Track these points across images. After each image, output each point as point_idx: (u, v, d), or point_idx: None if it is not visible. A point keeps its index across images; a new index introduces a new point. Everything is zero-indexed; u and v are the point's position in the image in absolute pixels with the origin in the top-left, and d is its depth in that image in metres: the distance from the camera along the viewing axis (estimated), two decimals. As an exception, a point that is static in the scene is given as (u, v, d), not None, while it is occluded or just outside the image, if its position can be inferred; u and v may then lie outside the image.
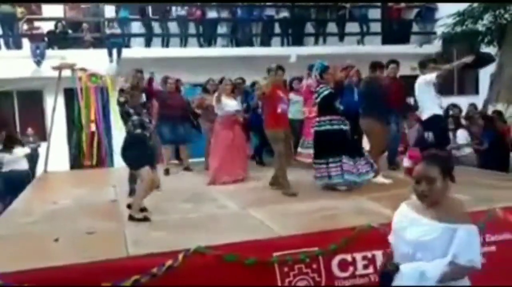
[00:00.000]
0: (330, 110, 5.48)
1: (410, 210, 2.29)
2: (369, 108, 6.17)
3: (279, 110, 5.72)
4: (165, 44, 12.26)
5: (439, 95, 5.99)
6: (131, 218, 4.40)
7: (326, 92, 5.49)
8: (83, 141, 8.40)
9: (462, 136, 7.74)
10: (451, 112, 8.78)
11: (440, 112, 6.03)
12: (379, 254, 3.73)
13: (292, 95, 7.14)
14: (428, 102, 5.92)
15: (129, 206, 4.64)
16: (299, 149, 7.39)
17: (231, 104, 6.49)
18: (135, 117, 4.61)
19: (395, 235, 2.32)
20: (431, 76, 5.80)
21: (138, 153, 4.56)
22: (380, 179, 5.87)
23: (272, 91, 5.74)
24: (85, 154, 8.45)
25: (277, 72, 5.81)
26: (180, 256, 3.27)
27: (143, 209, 4.61)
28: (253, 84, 7.71)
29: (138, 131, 4.60)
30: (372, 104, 6.13)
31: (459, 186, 5.12)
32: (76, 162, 9.09)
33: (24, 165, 8.24)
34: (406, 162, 2.40)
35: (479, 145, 7.46)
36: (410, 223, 2.24)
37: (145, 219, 4.41)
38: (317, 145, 5.62)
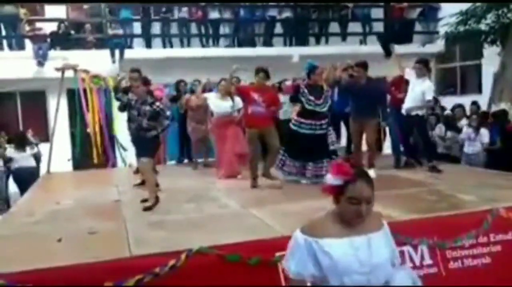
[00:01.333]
0: (304, 114, 5.87)
1: (329, 236, 1.95)
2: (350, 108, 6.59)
3: (249, 111, 5.95)
4: (167, 44, 12.27)
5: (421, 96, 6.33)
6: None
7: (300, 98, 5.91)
8: (90, 142, 8.47)
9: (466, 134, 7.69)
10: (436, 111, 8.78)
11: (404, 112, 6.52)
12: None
13: (280, 96, 7.23)
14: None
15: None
16: None
17: (222, 105, 6.65)
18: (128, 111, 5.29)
19: (336, 273, 1.93)
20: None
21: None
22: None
23: (244, 92, 6.07)
24: (90, 154, 8.50)
25: (258, 75, 5.93)
26: (183, 256, 3.27)
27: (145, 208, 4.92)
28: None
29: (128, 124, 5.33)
30: (351, 105, 6.55)
31: (464, 186, 5.20)
32: (80, 162, 9.10)
33: (32, 162, 8.90)
34: (335, 180, 1.96)
35: (491, 145, 7.41)
36: (355, 250, 1.94)
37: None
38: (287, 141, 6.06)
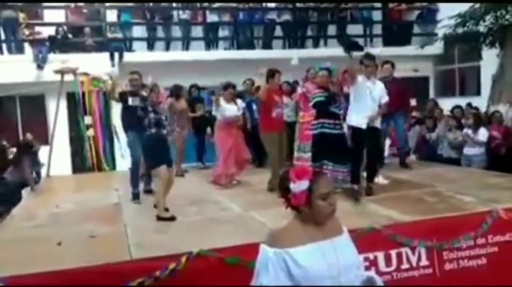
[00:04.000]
0: (323, 114, 5.50)
1: (296, 244, 1.93)
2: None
3: (274, 114, 5.87)
4: (168, 47, 12.32)
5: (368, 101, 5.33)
6: (159, 218, 4.54)
7: (318, 99, 5.56)
8: (89, 145, 8.48)
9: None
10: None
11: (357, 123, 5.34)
12: (380, 256, 3.74)
13: (284, 98, 7.22)
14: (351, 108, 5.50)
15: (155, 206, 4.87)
16: (296, 154, 7.26)
17: (230, 109, 6.59)
18: (151, 116, 4.88)
19: (308, 280, 1.90)
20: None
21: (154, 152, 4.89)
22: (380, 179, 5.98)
23: (268, 95, 5.86)
24: (89, 158, 8.51)
25: (274, 77, 5.92)
26: (183, 259, 3.28)
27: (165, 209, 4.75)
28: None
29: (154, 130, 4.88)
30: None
31: (464, 188, 5.21)
32: (82, 166, 9.10)
33: None
34: (301, 185, 1.94)
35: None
36: (323, 254, 1.94)
37: (172, 218, 4.55)
38: (313, 147, 5.65)
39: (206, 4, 12.55)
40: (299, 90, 6.97)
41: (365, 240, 3.63)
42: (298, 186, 1.95)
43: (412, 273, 3.87)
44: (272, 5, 13.05)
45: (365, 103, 5.25)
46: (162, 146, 4.89)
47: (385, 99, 5.41)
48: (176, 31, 12.52)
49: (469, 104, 9.59)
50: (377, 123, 5.38)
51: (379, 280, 2.07)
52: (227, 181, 6.36)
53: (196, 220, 4.59)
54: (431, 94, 13.05)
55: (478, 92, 11.92)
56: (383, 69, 6.64)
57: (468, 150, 7.38)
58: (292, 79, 8.35)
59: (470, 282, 3.94)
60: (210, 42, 12.53)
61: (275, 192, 5.48)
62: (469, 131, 7.37)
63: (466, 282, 3.93)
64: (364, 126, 5.23)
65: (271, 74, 5.89)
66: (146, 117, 4.91)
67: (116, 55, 11.05)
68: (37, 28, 11.22)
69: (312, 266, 1.91)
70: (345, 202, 4.86)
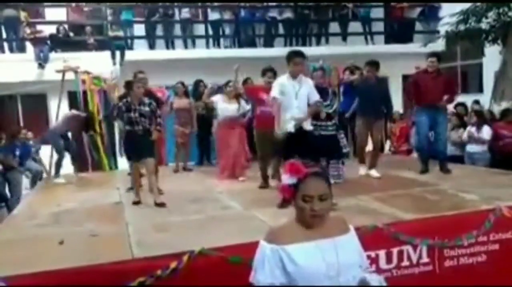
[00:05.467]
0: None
1: (295, 241, 1.92)
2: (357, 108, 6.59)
3: (258, 112, 5.99)
4: (170, 46, 12.31)
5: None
6: (156, 204, 5.11)
7: None
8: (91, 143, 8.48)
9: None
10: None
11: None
12: (382, 254, 3.74)
13: None
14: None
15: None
16: None
17: (229, 108, 6.61)
18: (125, 114, 5.23)
19: (304, 278, 1.90)
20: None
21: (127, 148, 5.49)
22: (362, 171, 6.37)
23: (252, 93, 6.10)
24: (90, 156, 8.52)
25: (267, 74, 5.91)
26: (185, 258, 3.27)
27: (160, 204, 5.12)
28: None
29: (128, 127, 5.28)
30: (359, 105, 6.56)
31: (468, 186, 5.19)
32: (83, 165, 9.11)
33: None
34: (289, 179, 1.96)
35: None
36: (322, 253, 1.92)
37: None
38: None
39: (208, 3, 12.57)
40: None
41: (368, 238, 3.60)
42: (287, 179, 1.97)
43: (412, 270, 3.87)
44: (274, 3, 13.04)
45: (290, 104, 4.93)
46: (134, 143, 5.27)
47: (315, 97, 5.03)
48: (178, 29, 12.53)
49: (476, 101, 9.56)
50: (307, 125, 5.03)
51: (375, 280, 2.04)
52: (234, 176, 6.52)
53: (198, 218, 4.58)
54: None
55: (480, 90, 11.90)
56: (428, 63, 6.45)
57: (471, 148, 7.34)
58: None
59: (469, 279, 3.93)
60: (212, 40, 12.54)
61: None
62: (473, 129, 7.34)
63: (465, 279, 3.92)
64: (292, 130, 4.88)
65: (262, 72, 6.00)
66: (125, 115, 5.25)
67: (118, 53, 11.05)
68: (38, 27, 11.23)
69: (308, 265, 1.89)
70: (346, 200, 4.84)
